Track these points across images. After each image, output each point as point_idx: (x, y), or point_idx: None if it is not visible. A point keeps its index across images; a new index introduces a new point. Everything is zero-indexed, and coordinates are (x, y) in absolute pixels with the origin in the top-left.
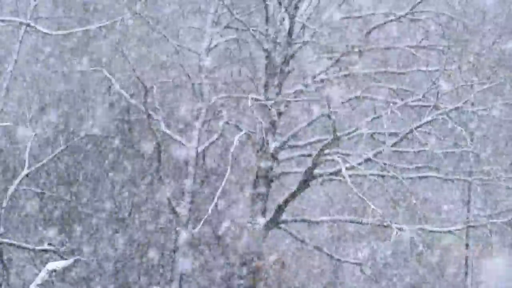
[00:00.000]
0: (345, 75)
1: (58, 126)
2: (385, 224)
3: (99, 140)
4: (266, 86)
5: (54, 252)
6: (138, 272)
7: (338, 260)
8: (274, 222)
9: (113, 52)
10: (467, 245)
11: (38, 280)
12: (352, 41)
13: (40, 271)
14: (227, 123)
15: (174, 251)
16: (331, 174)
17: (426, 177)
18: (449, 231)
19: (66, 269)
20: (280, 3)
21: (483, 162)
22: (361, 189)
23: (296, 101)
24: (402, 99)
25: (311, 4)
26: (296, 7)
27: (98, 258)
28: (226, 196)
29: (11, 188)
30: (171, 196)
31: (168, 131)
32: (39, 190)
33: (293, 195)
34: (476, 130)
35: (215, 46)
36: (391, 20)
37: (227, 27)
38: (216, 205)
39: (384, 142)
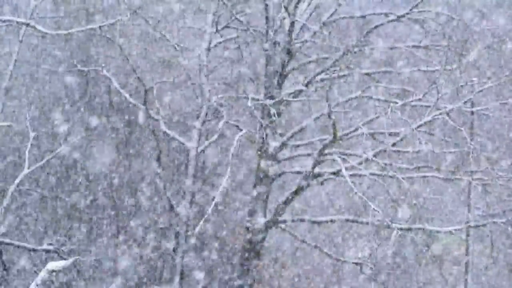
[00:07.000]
0: (345, 75)
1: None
2: (385, 224)
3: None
4: (266, 86)
5: (54, 252)
6: (137, 271)
7: (338, 260)
8: (274, 222)
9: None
10: (467, 245)
11: (38, 280)
12: (352, 41)
13: (40, 271)
14: (227, 123)
15: (174, 251)
16: (331, 174)
17: (426, 177)
18: (449, 231)
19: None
20: (280, 3)
21: (483, 162)
22: (361, 189)
23: (296, 101)
24: (402, 99)
25: (311, 4)
26: (296, 7)
27: (97, 258)
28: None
29: (11, 188)
30: (171, 196)
31: (168, 131)
32: (39, 190)
33: (293, 195)
34: (476, 130)
35: (215, 46)
36: (391, 20)
37: (227, 27)
38: (216, 205)
39: (384, 142)
